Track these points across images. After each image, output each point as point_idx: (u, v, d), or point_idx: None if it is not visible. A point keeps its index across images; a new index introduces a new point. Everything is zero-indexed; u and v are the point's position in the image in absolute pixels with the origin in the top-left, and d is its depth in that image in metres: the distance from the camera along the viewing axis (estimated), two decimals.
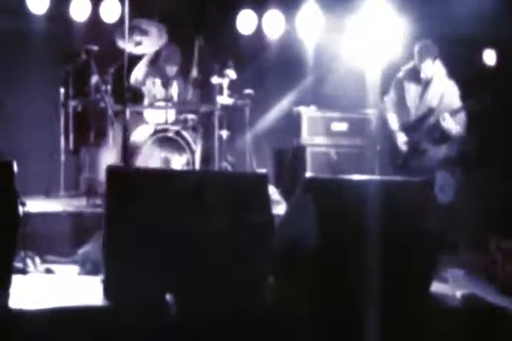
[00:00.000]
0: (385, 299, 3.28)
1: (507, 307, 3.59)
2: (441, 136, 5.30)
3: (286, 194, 5.43)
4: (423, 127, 5.34)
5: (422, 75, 5.39)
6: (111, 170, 3.37)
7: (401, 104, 5.45)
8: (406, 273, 3.49)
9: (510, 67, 6.03)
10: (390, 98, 5.53)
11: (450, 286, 4.04)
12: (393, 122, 5.45)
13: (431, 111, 5.33)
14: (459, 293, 3.85)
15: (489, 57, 6.24)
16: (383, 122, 5.65)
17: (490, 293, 4.19)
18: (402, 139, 5.38)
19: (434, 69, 5.36)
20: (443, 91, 5.37)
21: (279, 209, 4.70)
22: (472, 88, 5.46)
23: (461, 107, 5.23)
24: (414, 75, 5.44)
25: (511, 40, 5.81)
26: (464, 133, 5.30)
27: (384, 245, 3.37)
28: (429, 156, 5.36)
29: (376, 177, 5.41)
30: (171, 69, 6.16)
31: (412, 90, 5.43)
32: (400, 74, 5.51)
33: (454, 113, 5.21)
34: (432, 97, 5.36)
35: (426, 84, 5.41)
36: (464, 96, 5.36)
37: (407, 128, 5.40)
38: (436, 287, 3.71)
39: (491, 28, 5.70)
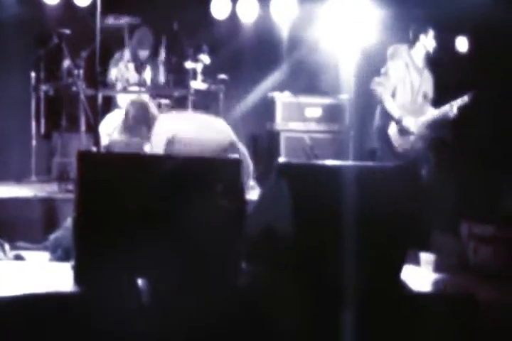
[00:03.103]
0: (359, 284, 3.29)
1: (477, 293, 3.61)
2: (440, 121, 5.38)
3: (260, 179, 5.42)
4: (420, 109, 5.41)
5: (418, 61, 5.44)
6: (82, 155, 3.33)
7: (400, 88, 5.44)
8: (378, 257, 3.50)
9: (483, 55, 6.05)
10: (390, 83, 5.39)
11: (422, 270, 4.07)
12: (394, 108, 5.41)
13: (425, 99, 5.42)
14: (430, 278, 3.88)
15: (462, 44, 6.27)
16: (366, 109, 5.63)
17: (461, 278, 4.22)
18: (411, 121, 5.37)
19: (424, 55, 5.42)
20: (431, 79, 5.47)
21: (253, 194, 4.69)
22: (444, 75, 5.51)
23: (466, 99, 5.30)
24: (413, 61, 5.47)
25: (485, 27, 5.82)
26: None
27: (358, 230, 3.37)
28: (414, 144, 5.41)
29: (350, 162, 5.42)
30: (143, 53, 6.11)
31: (412, 78, 5.45)
32: (401, 60, 5.46)
33: (457, 104, 5.28)
34: (428, 86, 5.44)
35: (421, 73, 5.46)
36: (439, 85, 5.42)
37: (407, 110, 5.41)
38: (409, 270, 3.73)
39: (465, 15, 5.72)
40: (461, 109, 5.34)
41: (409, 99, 5.41)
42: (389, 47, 5.53)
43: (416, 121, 5.36)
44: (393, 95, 5.40)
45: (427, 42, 5.43)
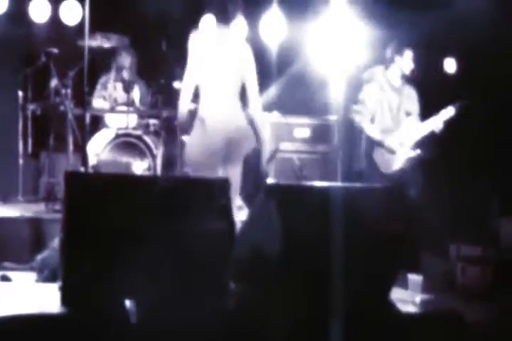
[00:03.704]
0: (347, 305, 3.28)
1: (465, 313, 3.62)
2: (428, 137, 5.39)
3: (249, 200, 5.41)
4: (402, 129, 5.42)
5: (395, 81, 5.45)
6: (69, 175, 3.32)
7: (378, 113, 5.46)
8: (367, 279, 3.50)
9: (471, 76, 6.11)
10: (367, 109, 5.44)
11: (409, 292, 4.06)
12: (375, 132, 5.44)
13: (407, 117, 5.43)
14: (417, 299, 3.88)
15: (450, 65, 6.32)
16: (355, 130, 5.64)
17: (449, 299, 4.23)
18: (393, 141, 5.38)
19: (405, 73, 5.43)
20: (414, 98, 5.48)
21: (242, 214, 4.68)
22: (432, 96, 5.55)
23: (451, 111, 5.30)
24: (388, 81, 5.48)
25: (473, 48, 5.89)
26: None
27: (346, 251, 3.37)
28: (400, 165, 5.42)
29: (339, 183, 5.43)
30: (126, 74, 6.11)
31: (390, 97, 5.46)
32: (376, 83, 5.49)
33: (443, 117, 5.29)
34: (407, 104, 5.45)
35: (400, 91, 5.47)
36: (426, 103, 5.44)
37: (389, 131, 5.42)
38: (396, 293, 3.73)
39: (453, 36, 5.78)
40: (447, 122, 5.33)
41: (390, 120, 5.44)
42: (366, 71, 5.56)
43: (400, 140, 5.38)
44: (373, 119, 5.43)
45: (403, 63, 5.41)
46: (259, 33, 6.74)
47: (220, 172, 4.50)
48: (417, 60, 5.39)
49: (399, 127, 5.42)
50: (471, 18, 5.66)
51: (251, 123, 4.63)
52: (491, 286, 4.42)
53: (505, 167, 5.84)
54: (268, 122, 6.24)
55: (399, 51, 5.40)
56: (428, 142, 5.47)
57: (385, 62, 5.47)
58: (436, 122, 5.33)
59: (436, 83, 5.88)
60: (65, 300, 3.16)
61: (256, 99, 4.64)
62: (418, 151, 5.40)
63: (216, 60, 4.51)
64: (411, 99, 5.52)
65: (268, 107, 6.39)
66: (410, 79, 5.51)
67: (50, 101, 5.70)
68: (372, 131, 5.40)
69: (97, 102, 6.02)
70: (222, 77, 4.51)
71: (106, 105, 6.00)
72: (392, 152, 5.36)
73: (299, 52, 6.44)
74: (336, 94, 5.94)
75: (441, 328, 3.49)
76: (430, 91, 5.60)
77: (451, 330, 3.50)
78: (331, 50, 6.18)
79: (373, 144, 5.40)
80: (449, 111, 5.33)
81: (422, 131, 5.39)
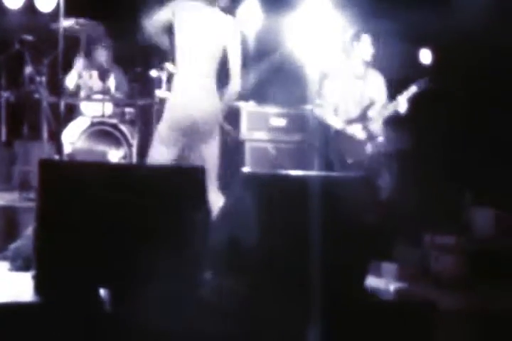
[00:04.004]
0: (324, 294, 3.30)
1: (438, 301, 3.65)
2: (394, 118, 5.35)
3: (224, 188, 5.41)
4: (369, 115, 5.40)
5: (357, 68, 5.42)
6: (43, 163, 3.29)
7: (342, 104, 5.46)
8: (343, 268, 3.52)
9: (446, 67, 6.14)
10: (329, 103, 5.45)
11: (384, 280, 4.09)
12: (337, 122, 5.43)
13: (372, 103, 5.39)
14: (392, 287, 3.91)
15: (425, 56, 6.34)
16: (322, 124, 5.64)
17: (422, 287, 4.26)
18: (357, 128, 5.37)
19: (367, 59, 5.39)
20: (379, 83, 5.44)
21: (218, 203, 4.67)
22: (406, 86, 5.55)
23: (414, 88, 5.26)
24: (350, 70, 5.45)
25: (449, 39, 5.91)
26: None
27: (323, 240, 3.39)
28: (367, 153, 5.42)
29: (315, 172, 5.44)
30: (101, 53, 6.06)
31: (352, 86, 5.44)
32: (336, 76, 5.47)
33: (407, 94, 5.25)
34: (371, 91, 5.42)
35: (364, 78, 5.44)
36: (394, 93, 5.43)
37: (354, 120, 5.42)
38: (370, 281, 3.76)
39: (429, 27, 5.79)
40: (411, 100, 5.31)
41: (354, 110, 5.43)
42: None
43: (364, 127, 5.37)
44: (337, 111, 5.43)
45: (362, 49, 5.35)
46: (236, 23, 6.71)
47: (185, 152, 4.51)
48: (389, 51, 5.39)
49: (364, 115, 5.40)
50: (448, 8, 5.69)
51: (223, 109, 4.62)
52: (464, 275, 4.47)
53: (479, 157, 5.89)
54: (244, 111, 6.24)
55: (356, 37, 5.35)
56: (397, 121, 5.47)
57: (345, 50, 5.44)
58: (400, 102, 5.29)
59: (411, 74, 5.90)
60: (39, 289, 3.15)
61: (236, 76, 4.59)
62: (389, 130, 5.40)
63: (196, 31, 4.44)
64: (376, 86, 5.47)
65: (244, 96, 6.39)
66: (373, 65, 5.48)
67: (24, 88, 5.65)
68: (333, 121, 5.41)
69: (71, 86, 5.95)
70: (200, 49, 4.45)
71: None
72: (356, 140, 5.35)
73: (276, 42, 6.44)
74: (312, 84, 5.95)
75: (415, 316, 3.52)
76: (405, 82, 5.60)
77: (424, 318, 3.53)
78: (307, 40, 6.18)
79: (338, 134, 5.40)
80: (411, 90, 5.30)
81: (386, 112, 5.36)
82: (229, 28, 4.56)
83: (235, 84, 4.61)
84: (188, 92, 4.46)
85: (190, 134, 4.47)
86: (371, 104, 5.38)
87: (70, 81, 5.98)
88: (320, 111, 5.43)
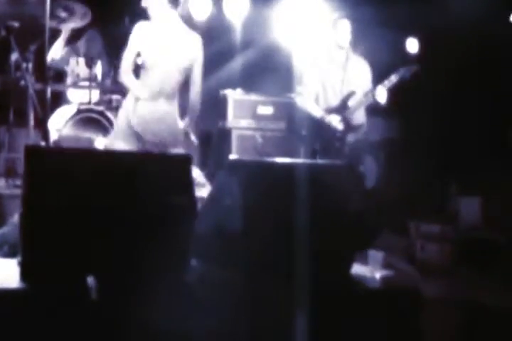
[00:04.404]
0: (310, 281, 3.31)
1: (423, 289, 3.68)
2: (373, 108, 5.34)
3: (211, 177, 5.41)
4: (349, 105, 5.38)
5: (337, 56, 5.40)
6: (29, 150, 3.28)
7: (321, 92, 5.45)
8: (329, 255, 3.54)
9: (433, 56, 6.15)
10: (308, 91, 5.43)
11: (370, 268, 4.12)
12: (317, 111, 5.43)
13: (353, 92, 5.37)
14: (378, 275, 3.93)
15: (412, 45, 6.35)
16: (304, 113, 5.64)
17: (408, 274, 4.29)
18: (335, 118, 5.36)
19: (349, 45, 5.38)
20: (362, 70, 5.42)
21: (204, 191, 4.68)
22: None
23: (394, 77, 5.25)
24: (331, 56, 5.43)
25: (436, 28, 5.92)
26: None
27: (309, 227, 3.40)
28: (353, 142, 5.43)
29: (301, 160, 5.45)
30: (94, 50, 6.04)
31: (332, 74, 5.42)
32: (315, 65, 5.45)
33: (386, 84, 5.23)
34: (353, 78, 5.40)
35: (344, 65, 5.41)
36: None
37: (334, 110, 5.42)
38: (356, 269, 3.78)
39: (417, 16, 5.80)
40: (391, 90, 5.28)
41: (334, 98, 5.43)
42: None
43: (344, 118, 5.35)
44: (317, 99, 5.43)
45: (339, 35, 5.32)
46: (222, 10, 6.69)
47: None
48: (376, 39, 5.37)
49: (344, 104, 5.39)
50: None
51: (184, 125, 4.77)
52: (449, 263, 4.50)
53: (464, 146, 5.92)
54: (231, 99, 6.23)
55: (334, 23, 5.33)
56: (381, 113, 5.48)
57: (324, 37, 5.43)
58: (379, 92, 5.27)
59: (398, 63, 5.90)
60: (25, 275, 3.14)
61: (198, 88, 4.79)
62: (365, 126, 5.40)
63: (162, 50, 4.60)
64: (359, 72, 5.44)
65: (231, 84, 6.38)
66: (359, 52, 5.46)
67: (10, 75, 5.60)
68: (313, 110, 5.40)
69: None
70: (166, 67, 4.61)
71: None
72: (333, 128, 5.34)
73: (263, 30, 6.42)
74: (299, 72, 5.94)
75: (400, 304, 3.55)
76: (391, 71, 5.60)
77: (410, 305, 3.56)
78: (294, 27, 6.17)
79: (318, 122, 5.40)
80: (391, 79, 5.29)
81: (367, 100, 5.35)
82: (195, 45, 4.75)
83: (196, 94, 4.80)
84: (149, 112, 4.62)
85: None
86: (352, 93, 5.36)
87: (55, 52, 5.93)
88: (300, 99, 5.42)
